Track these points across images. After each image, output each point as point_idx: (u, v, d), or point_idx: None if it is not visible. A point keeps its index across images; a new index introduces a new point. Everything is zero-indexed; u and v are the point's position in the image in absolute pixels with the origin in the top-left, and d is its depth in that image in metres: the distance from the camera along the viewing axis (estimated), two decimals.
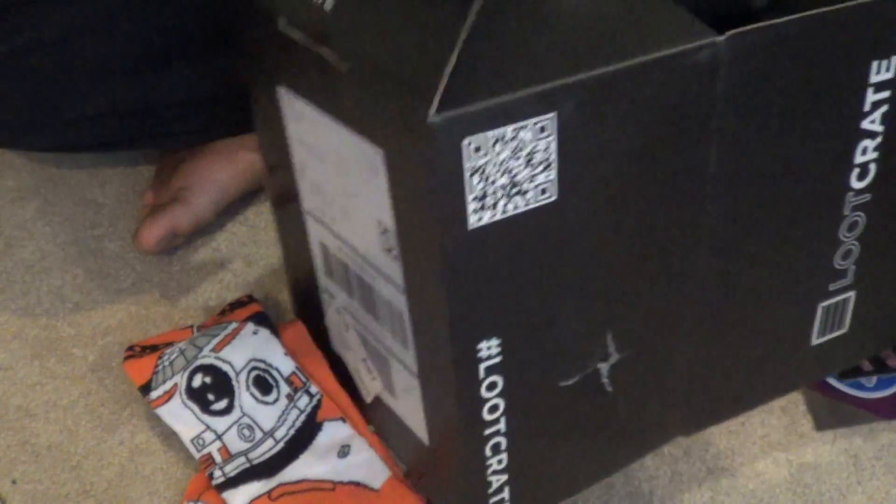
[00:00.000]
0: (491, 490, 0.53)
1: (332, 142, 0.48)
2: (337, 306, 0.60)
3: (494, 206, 0.42)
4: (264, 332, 0.63)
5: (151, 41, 0.65)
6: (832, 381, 0.69)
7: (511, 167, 0.41)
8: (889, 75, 0.47)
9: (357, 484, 0.61)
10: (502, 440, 0.51)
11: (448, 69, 0.38)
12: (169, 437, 0.65)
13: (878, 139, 0.49)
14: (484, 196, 0.41)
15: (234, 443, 0.61)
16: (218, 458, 0.61)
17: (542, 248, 0.44)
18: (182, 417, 0.61)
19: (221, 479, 0.60)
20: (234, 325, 0.63)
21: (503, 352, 0.47)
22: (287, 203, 0.60)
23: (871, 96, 0.47)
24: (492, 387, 0.48)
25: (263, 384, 0.62)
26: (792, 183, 0.50)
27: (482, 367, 0.47)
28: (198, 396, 0.61)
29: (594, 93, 0.41)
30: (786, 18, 0.43)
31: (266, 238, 0.75)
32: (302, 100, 0.49)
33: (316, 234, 0.58)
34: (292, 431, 0.62)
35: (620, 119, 0.42)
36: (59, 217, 0.74)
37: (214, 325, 0.64)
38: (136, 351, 0.65)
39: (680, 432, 0.60)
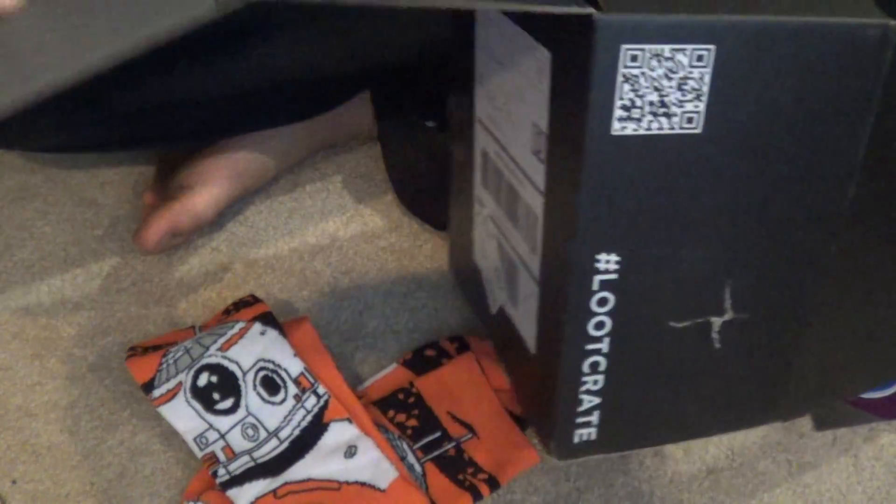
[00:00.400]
0: (581, 409, 0.53)
1: (511, 47, 0.51)
2: (485, 215, 0.61)
3: (640, 119, 0.44)
4: (272, 333, 0.63)
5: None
6: None
7: (662, 86, 0.43)
8: None
9: (363, 484, 0.61)
10: (602, 360, 0.52)
11: None
12: (169, 437, 0.65)
13: None
14: (632, 106, 0.43)
15: (238, 442, 0.61)
16: (222, 457, 0.61)
17: (676, 176, 0.46)
18: (185, 416, 0.61)
19: (226, 478, 0.60)
20: (240, 325, 0.63)
21: (620, 270, 0.48)
22: (463, 112, 0.62)
23: None
24: (602, 302, 0.50)
25: (271, 384, 0.62)
26: None
27: (597, 279, 0.48)
28: (202, 395, 0.61)
29: (756, 38, 0.43)
30: None
31: (266, 238, 0.75)
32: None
33: (481, 143, 0.60)
34: (297, 431, 0.62)
35: (778, 72, 0.44)
36: (59, 217, 0.74)
37: (220, 325, 0.64)
38: (139, 351, 0.65)
39: (779, 417, 0.58)
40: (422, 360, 0.69)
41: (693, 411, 0.56)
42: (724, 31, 0.43)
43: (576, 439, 0.55)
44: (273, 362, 0.62)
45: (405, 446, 0.64)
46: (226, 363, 0.62)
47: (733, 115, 0.45)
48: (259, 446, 0.61)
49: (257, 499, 0.60)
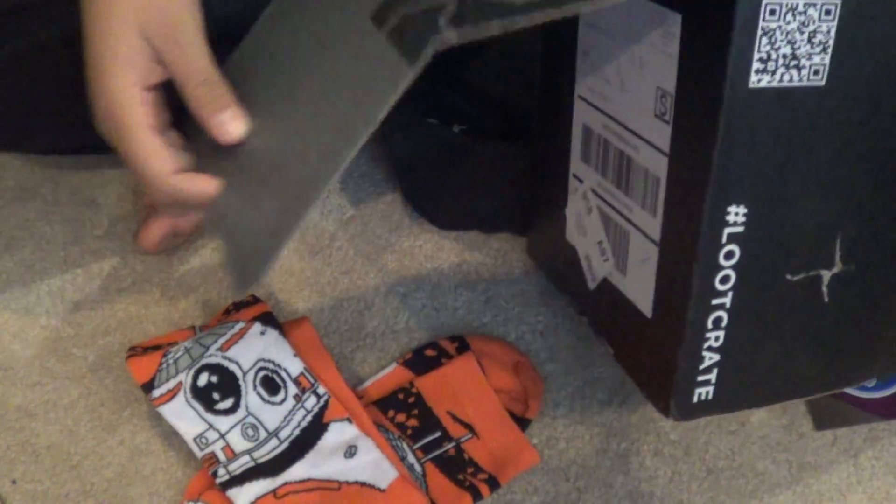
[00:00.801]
0: (702, 366, 0.55)
1: (626, 17, 0.54)
2: (584, 190, 0.62)
3: (773, 72, 0.47)
4: (273, 333, 0.63)
5: None
6: None
7: (795, 39, 0.46)
8: None
9: (363, 484, 0.61)
10: (724, 316, 0.53)
11: None
12: (169, 437, 0.65)
13: None
14: (767, 59, 0.46)
15: (238, 442, 0.61)
16: (222, 457, 0.61)
17: (802, 128, 0.49)
18: (185, 416, 0.61)
19: (226, 478, 0.60)
20: (240, 325, 0.63)
21: (747, 221, 0.51)
22: (557, 92, 0.64)
23: None
24: (729, 255, 0.52)
25: (271, 384, 0.62)
26: None
27: (726, 231, 0.51)
28: (203, 395, 0.61)
29: None
30: None
31: None
32: None
33: (581, 118, 0.62)
34: (297, 431, 0.62)
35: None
36: (59, 217, 0.74)
37: (220, 325, 0.64)
38: (139, 351, 0.65)
39: (874, 373, 0.60)
40: (422, 360, 0.69)
41: (802, 368, 0.57)
42: None
43: (695, 398, 0.56)
44: (273, 362, 0.62)
45: (405, 446, 0.64)
46: (226, 363, 0.62)
47: (855, 67, 0.48)
48: (259, 446, 0.61)
49: (257, 499, 0.60)
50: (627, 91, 0.56)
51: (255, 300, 0.67)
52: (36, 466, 0.64)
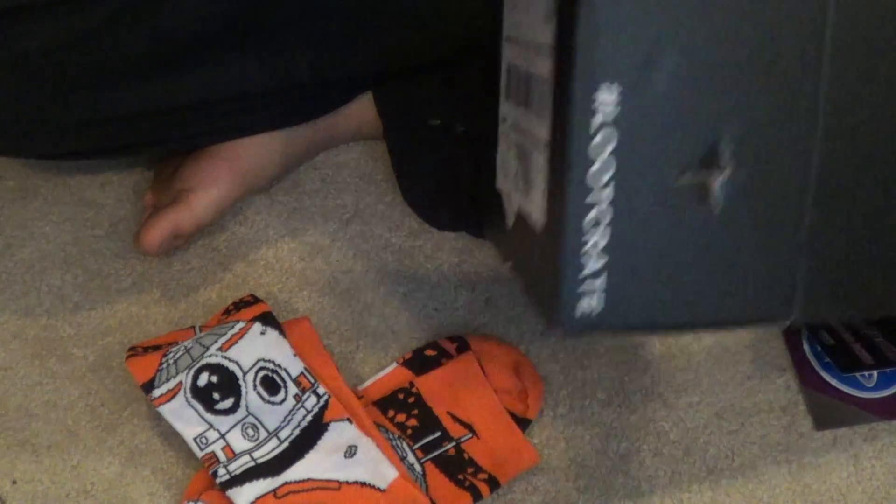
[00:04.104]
0: (586, 272, 0.51)
1: None
2: (506, 128, 0.60)
3: None
4: (273, 333, 0.63)
5: (154, 46, 0.65)
6: (832, 381, 0.69)
7: None
8: None
9: (363, 484, 0.61)
10: (604, 217, 0.50)
11: None
12: (169, 436, 0.65)
13: None
14: None
15: (238, 442, 0.61)
16: (222, 457, 0.61)
17: (670, 14, 0.46)
18: (185, 416, 0.61)
19: (226, 478, 0.60)
20: (240, 325, 0.63)
21: (620, 107, 0.48)
22: (494, 49, 0.62)
23: None
24: (601, 145, 0.48)
25: (271, 385, 0.62)
26: None
27: (596, 119, 0.48)
28: (203, 395, 0.61)
29: None
30: None
31: (266, 238, 0.75)
32: None
33: (506, 59, 0.59)
34: (297, 431, 0.62)
35: None
36: (59, 217, 0.74)
37: (220, 325, 0.64)
38: (139, 351, 0.65)
39: (788, 316, 0.54)
40: (422, 360, 0.69)
41: (699, 291, 0.52)
42: None
43: (580, 311, 0.51)
44: (273, 362, 0.62)
45: (405, 446, 0.64)
46: (226, 363, 0.62)
47: None
48: (259, 446, 0.61)
49: (257, 499, 0.60)
50: (529, 9, 0.54)
51: (255, 300, 0.67)
52: (36, 466, 0.64)
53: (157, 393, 0.61)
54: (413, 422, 0.66)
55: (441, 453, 0.65)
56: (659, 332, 0.56)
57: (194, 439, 0.61)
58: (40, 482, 0.64)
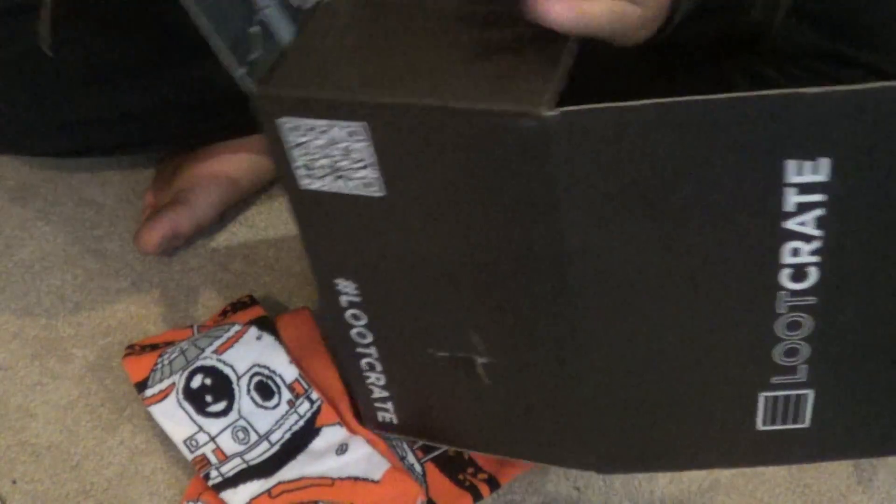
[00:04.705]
0: (374, 397, 0.59)
1: None
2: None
3: (322, 178, 0.47)
4: (268, 338, 0.63)
5: (154, 44, 0.65)
6: None
7: (330, 153, 0.46)
8: (819, 178, 0.42)
9: (357, 479, 0.61)
10: (376, 363, 0.56)
11: (281, 58, 0.46)
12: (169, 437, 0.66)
13: (816, 244, 0.45)
14: (311, 167, 0.47)
15: (229, 445, 0.61)
16: (213, 459, 0.61)
17: (372, 228, 0.49)
18: (175, 417, 0.61)
19: (219, 480, 0.60)
20: (236, 328, 0.63)
21: (361, 294, 0.52)
22: None
23: (793, 197, 0.43)
24: (356, 317, 0.54)
25: (265, 390, 0.62)
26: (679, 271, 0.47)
27: (343, 298, 0.53)
28: (195, 397, 0.61)
29: (408, 117, 0.43)
30: (639, 103, 0.41)
31: (266, 238, 0.75)
32: None
33: None
34: (288, 435, 0.62)
35: (441, 152, 0.44)
36: (59, 217, 0.74)
37: (216, 327, 0.64)
38: (136, 349, 0.65)
39: (588, 465, 0.58)
40: None
41: (485, 429, 0.58)
42: (372, 110, 0.43)
43: (380, 419, 0.61)
44: (268, 368, 0.62)
45: (405, 446, 0.64)
46: (220, 366, 0.62)
47: (411, 184, 0.46)
48: (250, 449, 0.61)
49: (252, 499, 0.60)
50: None
51: (253, 301, 0.67)
52: (36, 466, 0.65)
53: (149, 392, 0.61)
54: None
55: (441, 453, 0.65)
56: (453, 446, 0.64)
57: (184, 441, 0.61)
58: (40, 482, 0.64)
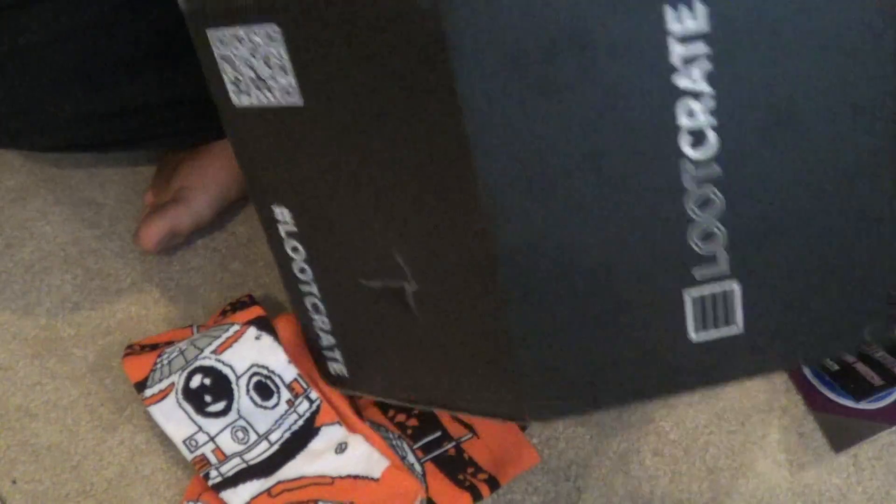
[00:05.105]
0: (325, 345, 0.59)
1: None
2: None
3: (249, 92, 0.49)
4: (267, 339, 0.63)
5: (152, 40, 0.65)
6: (838, 399, 0.69)
7: (253, 64, 0.47)
8: (699, 26, 0.42)
9: (356, 477, 0.61)
10: (319, 303, 0.57)
11: None
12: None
13: (709, 102, 0.44)
14: (238, 81, 0.49)
15: (228, 445, 0.61)
16: (213, 459, 0.61)
17: (299, 144, 0.49)
18: (174, 417, 0.61)
19: (219, 480, 0.60)
20: (235, 328, 0.63)
21: (297, 222, 0.53)
22: None
23: (677, 48, 0.42)
24: (295, 250, 0.55)
25: (264, 390, 0.62)
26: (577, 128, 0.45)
27: (281, 228, 0.54)
28: (194, 397, 0.61)
29: (315, 13, 0.44)
30: None
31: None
32: None
33: None
34: (288, 434, 0.62)
35: (346, 45, 0.45)
36: (59, 217, 0.74)
37: (215, 327, 0.64)
38: (136, 349, 0.65)
39: (515, 413, 0.54)
40: None
41: (422, 376, 0.56)
42: (283, 7, 0.45)
43: (332, 371, 0.61)
44: (267, 368, 0.62)
45: (405, 446, 0.64)
46: (219, 366, 0.62)
47: (324, 86, 0.47)
48: (249, 449, 0.61)
49: (252, 498, 0.60)
50: None
51: (252, 301, 0.67)
52: (36, 466, 0.65)
53: (148, 392, 0.61)
54: (413, 422, 0.66)
55: (441, 453, 0.65)
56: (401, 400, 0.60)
57: (183, 441, 0.61)
58: (40, 482, 0.64)
